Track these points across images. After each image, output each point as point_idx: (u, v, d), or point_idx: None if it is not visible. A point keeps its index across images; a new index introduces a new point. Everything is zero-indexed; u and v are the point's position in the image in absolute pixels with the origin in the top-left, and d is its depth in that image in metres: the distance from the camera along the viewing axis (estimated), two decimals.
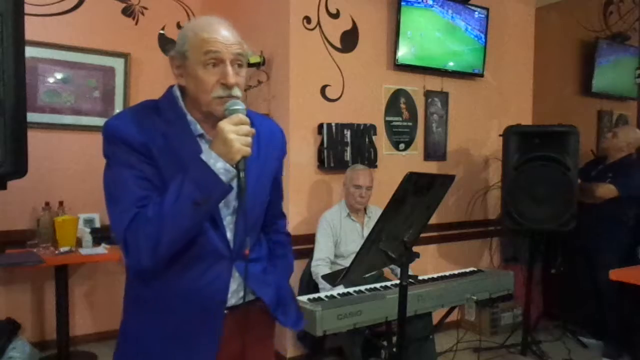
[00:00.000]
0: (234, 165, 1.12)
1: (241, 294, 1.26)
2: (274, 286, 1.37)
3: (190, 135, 1.23)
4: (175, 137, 1.20)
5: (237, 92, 1.20)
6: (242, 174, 1.13)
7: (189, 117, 1.24)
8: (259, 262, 1.35)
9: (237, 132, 1.11)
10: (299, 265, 3.20)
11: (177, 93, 1.26)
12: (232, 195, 1.22)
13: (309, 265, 3.12)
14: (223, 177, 1.11)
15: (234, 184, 1.17)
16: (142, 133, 1.17)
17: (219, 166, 1.10)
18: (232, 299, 1.28)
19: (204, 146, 1.21)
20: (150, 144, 1.17)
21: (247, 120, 1.15)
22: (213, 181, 1.11)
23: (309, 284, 3.05)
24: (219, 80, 1.18)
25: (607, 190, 3.40)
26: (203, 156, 1.12)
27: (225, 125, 1.11)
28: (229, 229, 1.24)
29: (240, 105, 1.17)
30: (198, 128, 1.24)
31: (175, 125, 1.22)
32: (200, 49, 1.17)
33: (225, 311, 1.27)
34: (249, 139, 1.13)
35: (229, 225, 1.24)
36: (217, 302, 1.24)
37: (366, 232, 2.95)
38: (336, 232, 2.99)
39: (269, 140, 1.36)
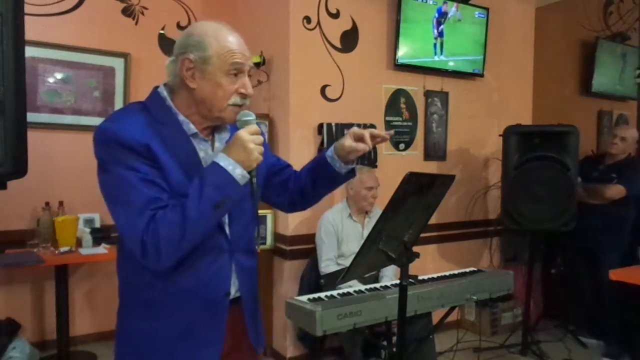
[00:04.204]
0: (249, 171, 1.21)
1: (237, 286, 1.35)
2: (253, 290, 1.41)
3: (184, 135, 1.27)
4: (171, 138, 1.24)
5: (248, 101, 1.30)
6: (254, 180, 1.23)
7: (181, 117, 1.27)
8: (252, 257, 1.41)
9: (254, 142, 1.20)
10: (298, 265, 3.20)
11: (165, 93, 1.29)
12: None
13: (308, 265, 3.12)
14: (240, 182, 1.20)
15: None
16: (142, 135, 1.18)
17: (238, 172, 1.19)
18: (232, 291, 1.34)
19: (200, 145, 1.28)
20: (151, 145, 1.18)
21: (260, 130, 1.25)
22: (233, 186, 1.19)
23: (309, 284, 3.05)
24: (237, 90, 1.26)
25: (617, 191, 3.41)
26: (220, 162, 1.19)
27: (245, 135, 1.20)
28: (225, 223, 1.30)
29: (252, 117, 1.26)
30: (191, 127, 1.28)
31: (168, 126, 1.25)
32: (228, 59, 1.23)
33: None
34: (262, 148, 1.23)
35: (225, 220, 1.30)
36: (221, 295, 1.30)
37: (366, 233, 2.95)
38: (338, 232, 3.00)
39: None
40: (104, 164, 1.20)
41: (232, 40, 1.25)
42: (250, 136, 1.20)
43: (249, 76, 1.29)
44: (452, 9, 3.66)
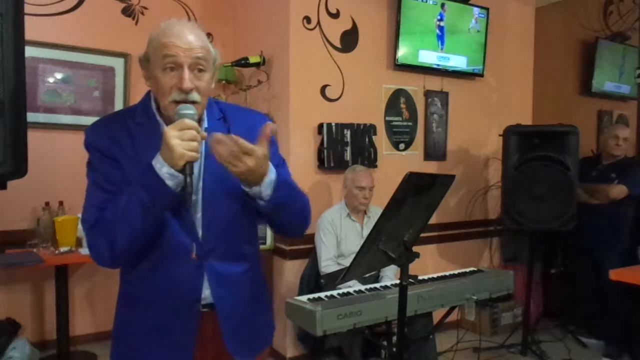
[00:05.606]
0: (180, 170, 1.12)
1: (210, 293, 1.27)
2: (236, 296, 1.31)
3: (158, 135, 1.21)
4: (141, 138, 1.24)
5: (194, 96, 1.19)
6: (188, 179, 1.12)
7: (158, 118, 1.27)
8: (237, 264, 1.32)
9: (180, 138, 1.10)
10: (299, 265, 3.20)
11: (152, 95, 1.31)
12: (199, 196, 1.25)
13: (309, 265, 3.12)
14: (169, 182, 1.12)
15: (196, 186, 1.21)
16: (108, 137, 1.23)
17: (164, 171, 1.11)
18: (205, 298, 1.28)
19: None
20: (115, 146, 1.22)
21: (194, 124, 1.13)
22: (158, 186, 1.12)
23: (309, 284, 3.05)
24: (176, 85, 1.18)
25: (620, 190, 3.42)
26: (152, 160, 1.13)
27: (169, 130, 1.11)
28: (199, 227, 1.25)
29: (190, 110, 1.16)
30: (164, 127, 1.25)
31: (144, 126, 1.26)
32: (160, 53, 1.19)
33: (205, 309, 1.28)
34: (194, 144, 1.12)
35: (198, 223, 1.25)
36: (190, 300, 1.26)
37: (366, 232, 2.95)
38: (337, 231, 2.99)
39: (247, 135, 1.25)
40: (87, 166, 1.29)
41: (169, 33, 1.19)
42: (175, 132, 1.10)
43: (199, 70, 1.20)
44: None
